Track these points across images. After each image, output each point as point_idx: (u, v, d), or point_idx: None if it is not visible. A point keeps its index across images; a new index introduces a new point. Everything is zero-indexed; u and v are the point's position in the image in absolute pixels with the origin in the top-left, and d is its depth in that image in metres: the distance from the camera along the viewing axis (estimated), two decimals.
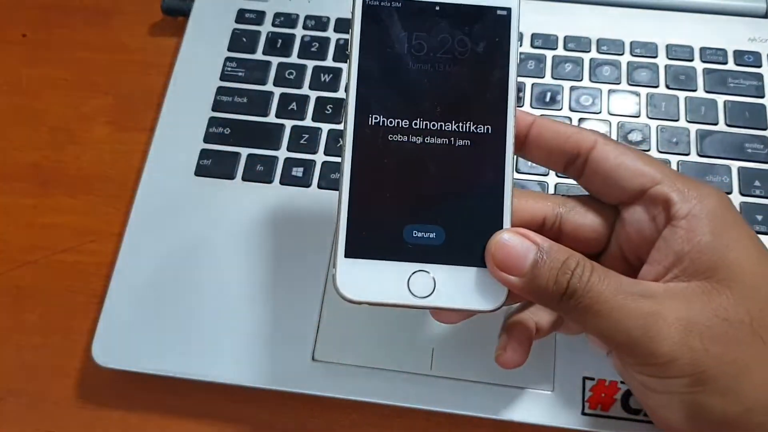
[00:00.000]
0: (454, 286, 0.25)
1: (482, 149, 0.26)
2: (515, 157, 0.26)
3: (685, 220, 0.25)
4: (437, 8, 0.26)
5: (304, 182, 0.39)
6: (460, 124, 0.26)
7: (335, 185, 0.39)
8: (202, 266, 0.37)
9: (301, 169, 0.40)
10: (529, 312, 0.30)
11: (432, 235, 0.25)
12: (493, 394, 0.33)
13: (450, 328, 0.34)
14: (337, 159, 0.40)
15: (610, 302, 0.24)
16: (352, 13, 0.26)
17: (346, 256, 0.25)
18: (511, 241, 0.25)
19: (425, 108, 0.26)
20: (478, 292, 0.25)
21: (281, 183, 0.39)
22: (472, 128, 0.26)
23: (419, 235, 0.25)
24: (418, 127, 0.26)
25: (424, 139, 0.26)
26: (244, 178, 0.39)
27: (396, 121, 0.26)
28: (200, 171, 0.40)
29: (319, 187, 0.39)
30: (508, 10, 0.27)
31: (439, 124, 0.26)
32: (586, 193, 0.29)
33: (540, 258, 0.24)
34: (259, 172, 0.40)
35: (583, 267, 0.24)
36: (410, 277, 0.25)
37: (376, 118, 0.26)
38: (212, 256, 0.37)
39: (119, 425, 0.36)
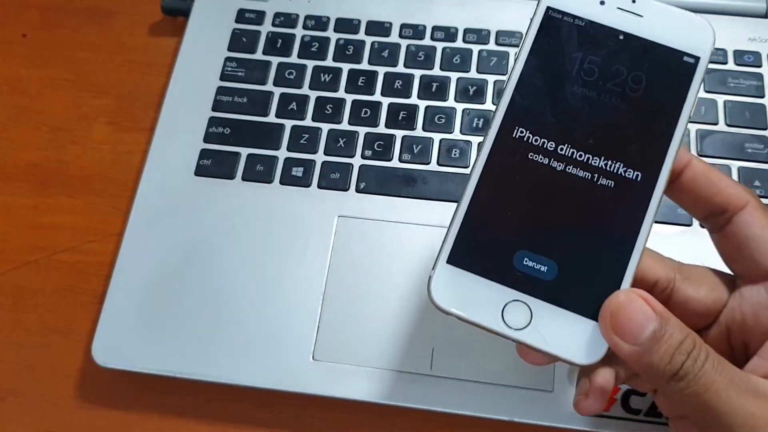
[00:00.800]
0: (551, 327, 0.23)
1: (625, 196, 0.24)
2: (658, 211, 0.24)
3: None
4: (621, 37, 0.25)
5: (304, 182, 0.39)
6: (609, 163, 0.24)
7: (335, 185, 0.39)
8: (202, 266, 0.37)
9: (301, 169, 0.40)
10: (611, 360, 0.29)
11: (543, 269, 0.24)
12: (493, 394, 0.33)
13: (450, 328, 0.34)
14: (337, 159, 0.40)
15: (719, 393, 0.23)
16: (532, 19, 0.25)
17: (449, 261, 0.24)
18: (633, 305, 0.23)
19: (576, 136, 0.24)
20: (575, 341, 0.23)
21: (281, 183, 0.39)
22: (621, 171, 0.24)
23: (530, 264, 0.24)
24: (563, 153, 0.24)
25: (565, 168, 0.24)
26: (244, 178, 0.39)
27: (541, 140, 0.24)
28: (200, 171, 0.40)
29: (319, 187, 0.39)
30: (697, 59, 0.25)
31: (586, 156, 0.24)
32: (704, 265, 0.28)
33: (659, 331, 0.23)
34: (259, 172, 0.40)
35: (699, 350, 0.23)
36: (507, 304, 0.23)
37: (521, 132, 0.24)
38: (212, 256, 0.37)
39: (119, 425, 0.36)
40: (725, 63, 0.42)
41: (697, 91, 0.25)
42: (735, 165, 0.39)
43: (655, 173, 0.24)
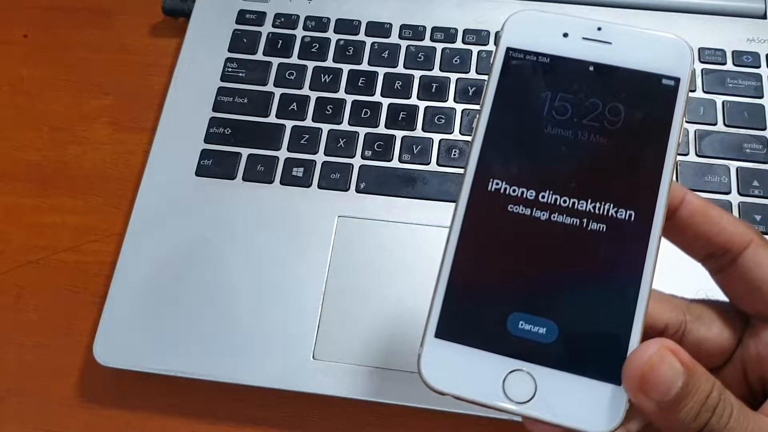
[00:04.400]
0: (559, 395, 0.21)
1: (620, 237, 0.22)
2: (659, 251, 0.22)
3: None
4: (591, 68, 0.23)
5: (304, 182, 0.39)
6: (597, 205, 0.22)
7: (335, 185, 0.39)
8: (203, 266, 0.37)
9: (301, 170, 0.40)
10: None
11: (542, 330, 0.21)
12: None
13: None
14: (337, 159, 0.40)
15: None
16: (491, 63, 0.24)
17: (437, 336, 0.22)
18: (665, 359, 0.21)
19: (557, 180, 0.22)
20: (587, 407, 0.21)
21: (281, 183, 0.39)
22: (612, 211, 0.22)
23: (527, 327, 0.22)
24: (545, 201, 0.22)
25: (550, 216, 0.22)
26: (244, 179, 0.40)
27: (520, 190, 0.22)
28: (201, 171, 0.40)
29: (320, 187, 0.39)
30: (677, 80, 0.23)
31: (571, 201, 0.22)
32: (709, 297, 0.26)
33: (687, 387, 0.21)
34: (260, 172, 0.40)
35: (725, 405, 0.21)
36: (508, 375, 0.21)
37: (497, 184, 0.23)
38: (213, 256, 0.37)
39: (120, 424, 0.36)
40: (724, 63, 0.42)
41: (683, 114, 0.23)
42: (733, 165, 0.39)
43: (650, 209, 0.22)
